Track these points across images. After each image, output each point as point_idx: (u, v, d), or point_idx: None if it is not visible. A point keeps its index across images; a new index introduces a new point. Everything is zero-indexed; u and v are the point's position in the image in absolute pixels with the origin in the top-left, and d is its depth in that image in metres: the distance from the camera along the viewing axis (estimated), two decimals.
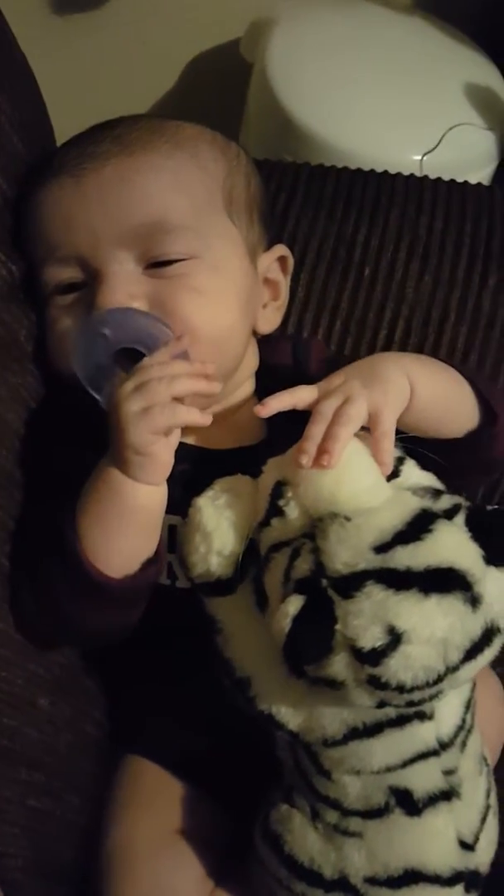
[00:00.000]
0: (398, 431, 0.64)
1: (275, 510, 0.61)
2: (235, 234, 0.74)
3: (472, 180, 1.00)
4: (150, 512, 0.65)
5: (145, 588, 0.66)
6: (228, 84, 1.46)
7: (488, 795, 0.68)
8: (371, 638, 0.55)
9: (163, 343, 0.66)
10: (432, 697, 0.58)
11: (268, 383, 0.78)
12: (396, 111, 1.30)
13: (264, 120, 1.35)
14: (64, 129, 0.80)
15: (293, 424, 0.73)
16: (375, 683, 0.56)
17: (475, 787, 0.66)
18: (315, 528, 0.59)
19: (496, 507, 0.61)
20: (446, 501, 0.60)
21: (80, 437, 0.72)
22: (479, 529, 0.58)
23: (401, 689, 0.56)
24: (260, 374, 0.79)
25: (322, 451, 0.60)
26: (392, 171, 0.99)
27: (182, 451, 0.67)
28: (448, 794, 0.63)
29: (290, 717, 0.62)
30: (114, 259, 0.69)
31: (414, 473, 0.63)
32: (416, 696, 0.57)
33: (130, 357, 0.67)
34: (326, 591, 0.56)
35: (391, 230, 0.93)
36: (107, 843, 0.71)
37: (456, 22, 1.45)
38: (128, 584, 0.64)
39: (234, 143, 0.78)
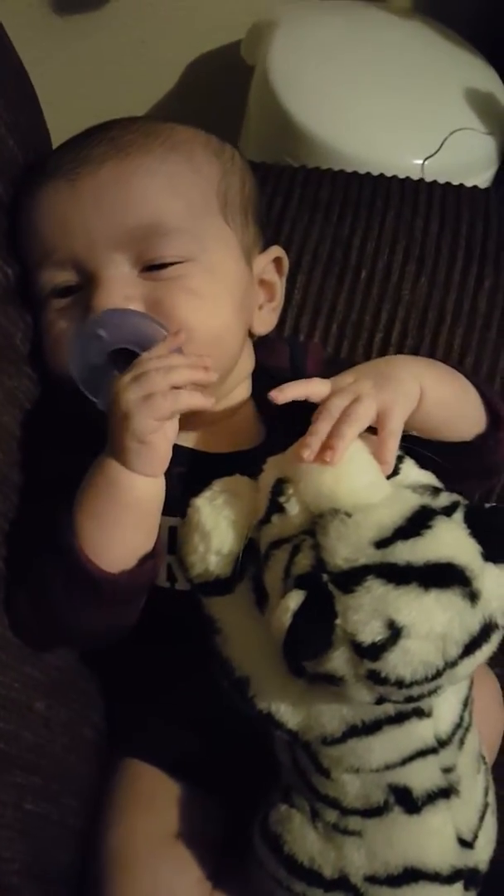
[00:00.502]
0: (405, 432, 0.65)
1: (275, 507, 0.61)
2: (231, 236, 0.74)
3: (473, 184, 1.01)
4: (148, 504, 0.65)
5: (142, 585, 0.66)
6: (229, 86, 1.46)
7: (486, 793, 0.68)
8: (371, 632, 0.55)
9: (158, 342, 0.66)
10: (431, 693, 0.58)
11: (265, 386, 0.78)
12: (398, 115, 1.30)
13: (265, 123, 1.35)
14: (63, 129, 0.80)
15: (291, 427, 0.73)
16: (375, 678, 0.56)
17: (473, 785, 0.66)
18: (315, 525, 0.59)
19: (493, 504, 0.61)
20: (445, 499, 0.60)
21: (77, 440, 0.72)
22: (477, 527, 0.58)
23: (400, 684, 0.56)
24: (256, 377, 0.79)
25: (326, 447, 0.60)
26: (392, 174, 0.99)
27: (180, 455, 0.67)
28: (447, 792, 0.63)
29: (289, 715, 0.62)
30: (110, 262, 0.69)
31: (413, 472, 0.64)
32: (415, 691, 0.57)
33: (126, 358, 0.67)
34: (327, 587, 0.57)
35: (387, 233, 0.93)
36: (104, 846, 0.71)
37: (456, 26, 1.46)
38: (125, 580, 0.64)
39: (228, 146, 0.78)
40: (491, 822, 0.68)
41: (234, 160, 0.77)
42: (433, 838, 0.63)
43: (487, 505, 0.61)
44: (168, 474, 0.66)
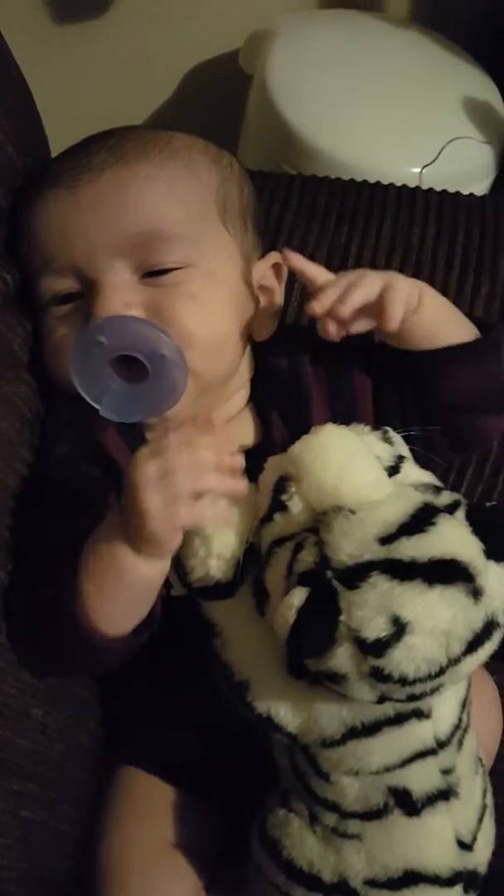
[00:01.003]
0: (401, 429, 0.65)
1: (278, 505, 0.61)
2: (230, 242, 0.75)
3: (470, 192, 1.01)
4: (153, 584, 0.63)
5: (135, 648, 0.65)
6: (227, 95, 1.46)
7: (484, 795, 0.68)
8: (375, 628, 0.55)
9: (158, 349, 0.66)
10: (433, 691, 0.59)
11: (264, 389, 0.78)
12: (396, 124, 1.31)
13: (264, 131, 1.36)
14: (62, 137, 0.80)
15: (289, 430, 0.73)
16: (378, 676, 0.56)
17: (472, 787, 0.66)
18: (318, 522, 0.59)
19: (494, 503, 0.61)
20: (446, 497, 0.61)
21: (79, 445, 0.72)
22: (479, 525, 0.59)
23: (403, 681, 0.56)
24: (256, 381, 0.79)
25: (338, 307, 0.69)
26: (390, 183, 1.00)
27: None
28: (446, 794, 0.63)
29: (288, 718, 0.62)
30: (110, 269, 0.70)
31: (413, 471, 0.64)
32: (418, 689, 0.57)
33: (127, 364, 0.67)
34: (331, 583, 0.57)
35: (384, 240, 0.94)
36: (100, 854, 0.71)
37: (454, 36, 1.46)
38: (120, 646, 0.63)
39: (226, 153, 0.79)
40: (489, 824, 0.68)
41: (233, 167, 0.78)
42: (433, 840, 0.63)
43: (488, 504, 0.61)
44: None
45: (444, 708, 0.63)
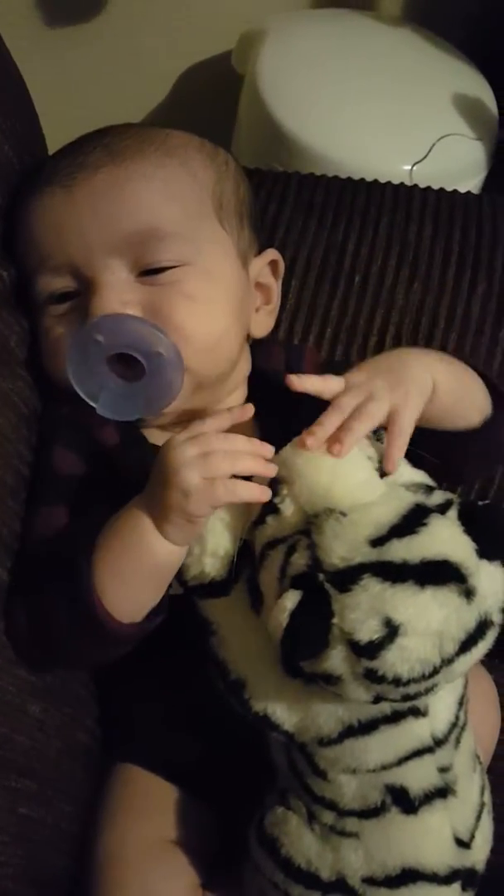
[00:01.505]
0: None
1: (270, 507, 0.61)
2: (226, 240, 0.75)
3: (462, 190, 1.01)
4: (171, 570, 0.64)
5: (145, 634, 0.66)
6: (220, 95, 1.47)
7: (482, 793, 0.68)
8: (368, 630, 0.55)
9: (155, 348, 0.66)
10: (428, 691, 0.59)
11: (261, 389, 0.78)
12: (386, 122, 1.31)
13: (255, 130, 1.36)
14: (57, 139, 0.80)
15: (285, 429, 0.73)
16: (372, 677, 0.56)
17: (470, 785, 0.66)
18: (310, 525, 0.59)
19: (486, 502, 0.61)
20: (439, 497, 0.61)
21: (76, 443, 0.72)
22: (471, 524, 0.59)
23: (397, 682, 0.56)
24: (253, 380, 0.79)
25: (334, 439, 0.61)
26: (382, 180, 1.00)
27: None
28: (443, 792, 0.63)
29: (285, 717, 0.62)
30: (106, 267, 0.70)
31: (406, 471, 0.64)
32: (412, 689, 0.57)
33: (124, 363, 0.67)
34: (323, 586, 0.57)
35: (381, 238, 0.94)
36: (97, 851, 0.71)
37: (445, 33, 1.47)
38: (132, 630, 0.64)
39: (222, 150, 0.79)
40: (487, 821, 0.68)
41: (229, 164, 0.78)
42: (430, 838, 0.63)
43: (481, 502, 0.61)
44: None
45: (441, 706, 0.63)
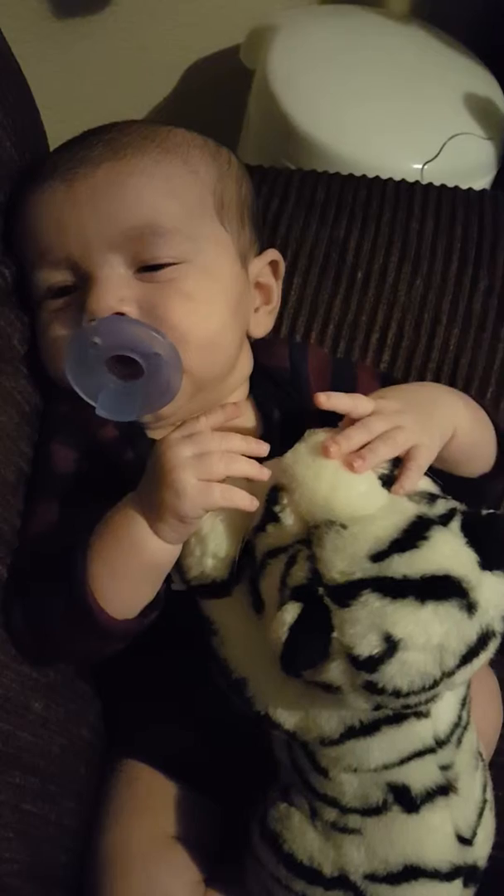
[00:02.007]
0: None
1: (270, 516, 0.61)
2: (226, 239, 0.75)
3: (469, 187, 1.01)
4: (164, 567, 0.64)
5: (142, 629, 0.66)
6: (228, 90, 1.46)
7: (484, 790, 0.68)
8: (368, 646, 0.55)
9: (152, 349, 0.66)
10: (428, 701, 0.59)
11: (264, 387, 0.78)
12: (397, 120, 1.30)
13: (265, 127, 1.35)
14: (63, 132, 0.80)
15: (287, 430, 0.73)
16: (372, 689, 0.56)
17: (472, 782, 0.66)
18: (311, 535, 0.59)
19: (491, 511, 0.61)
20: (442, 506, 0.60)
21: (75, 440, 0.72)
22: (474, 535, 0.58)
23: (397, 694, 0.56)
24: (255, 378, 0.79)
25: (357, 455, 0.61)
26: (395, 179, 0.99)
27: None
28: (445, 790, 0.63)
29: (286, 716, 0.62)
30: (105, 262, 0.70)
31: None
32: (413, 700, 0.57)
33: (123, 363, 0.67)
34: (323, 600, 0.56)
35: (383, 234, 0.94)
36: (100, 848, 0.71)
37: (455, 32, 1.46)
38: (126, 626, 0.64)
39: (224, 149, 0.79)
40: (489, 818, 0.68)
41: (231, 163, 0.78)
42: (432, 836, 0.63)
43: (485, 511, 0.60)
44: None
45: (444, 707, 0.63)
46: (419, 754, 0.62)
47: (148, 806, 0.73)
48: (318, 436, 0.62)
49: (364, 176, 0.99)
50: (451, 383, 0.88)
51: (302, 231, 0.93)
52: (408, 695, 0.56)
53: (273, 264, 0.80)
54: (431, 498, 0.61)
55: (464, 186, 1.00)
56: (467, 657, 0.57)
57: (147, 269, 0.70)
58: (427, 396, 0.71)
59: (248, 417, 0.77)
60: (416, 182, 0.99)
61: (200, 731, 0.73)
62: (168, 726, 0.74)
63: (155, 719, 0.75)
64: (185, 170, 0.73)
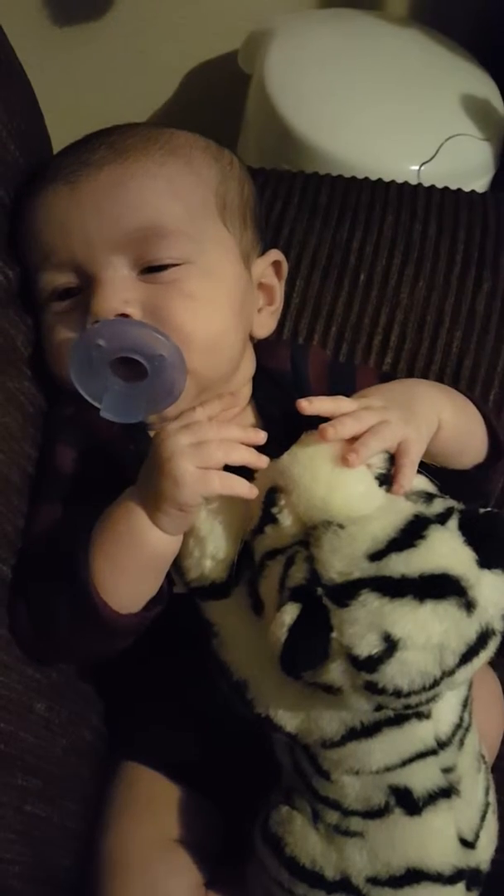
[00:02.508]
0: None
1: (268, 518, 0.61)
2: (229, 240, 0.75)
3: (470, 189, 1.01)
4: (166, 559, 0.65)
5: (146, 623, 0.66)
6: (226, 95, 1.47)
7: (487, 793, 0.68)
8: (367, 646, 0.55)
9: (156, 350, 0.66)
10: (429, 700, 0.59)
11: (265, 388, 0.78)
12: (394, 122, 1.31)
13: (263, 130, 1.36)
14: (63, 137, 0.80)
15: (287, 431, 0.73)
16: (372, 689, 0.56)
17: (474, 785, 0.66)
18: (309, 536, 0.59)
19: (488, 509, 0.61)
20: (439, 505, 0.60)
21: (79, 441, 0.72)
22: (472, 533, 0.58)
23: (398, 693, 0.56)
24: (257, 380, 0.79)
25: (349, 449, 0.61)
26: (389, 180, 1.00)
27: None
28: (448, 792, 0.63)
29: (287, 718, 0.62)
30: (108, 264, 0.70)
31: None
32: (413, 700, 0.57)
33: (127, 365, 0.67)
34: (321, 600, 0.56)
35: (385, 236, 0.94)
36: (102, 850, 0.71)
37: (452, 34, 1.46)
38: (131, 621, 0.64)
39: (227, 150, 0.79)
40: (492, 821, 0.68)
41: (233, 164, 0.78)
42: (435, 839, 0.63)
43: (482, 510, 0.60)
44: None
45: (445, 708, 0.63)
46: (421, 756, 0.62)
47: (149, 809, 0.73)
48: (314, 437, 0.62)
49: (367, 178, 1.00)
50: (455, 385, 0.87)
51: (305, 234, 0.93)
52: (408, 694, 0.56)
53: (276, 265, 0.80)
54: (429, 497, 0.62)
55: (461, 187, 1.01)
56: (467, 656, 0.57)
57: (150, 270, 0.70)
58: (408, 392, 0.71)
59: (250, 419, 0.77)
60: (419, 184, 0.99)
61: (201, 733, 0.73)
62: (169, 729, 0.74)
63: (156, 722, 0.75)
64: (188, 171, 0.73)
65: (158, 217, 0.70)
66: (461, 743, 0.64)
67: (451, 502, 0.61)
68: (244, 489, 0.62)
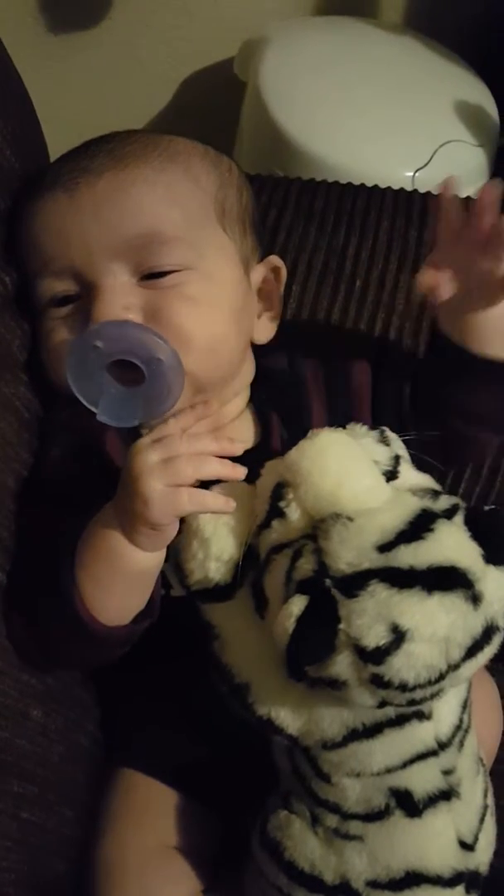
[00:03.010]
0: (400, 431, 0.65)
1: (275, 512, 0.61)
2: (229, 245, 0.75)
3: (465, 196, 1.01)
4: (149, 574, 0.64)
5: (136, 635, 0.66)
6: (222, 102, 1.47)
7: (486, 795, 0.68)
8: (375, 636, 0.55)
9: (154, 354, 0.66)
10: (433, 696, 0.59)
11: (262, 390, 0.78)
12: (388, 128, 1.31)
13: (258, 137, 1.36)
14: (60, 145, 0.80)
15: (287, 431, 0.73)
16: (378, 682, 0.56)
17: (473, 787, 0.66)
18: (316, 530, 0.59)
19: (493, 507, 0.61)
20: (445, 502, 0.61)
21: (75, 447, 0.72)
22: (477, 529, 0.58)
23: (403, 687, 0.56)
24: (255, 384, 0.79)
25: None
26: (384, 186, 1.00)
27: None
28: (447, 794, 0.63)
29: (289, 720, 0.62)
30: (108, 271, 0.70)
31: (411, 475, 0.64)
32: (418, 694, 0.57)
33: (125, 368, 0.67)
34: (330, 591, 0.57)
35: (381, 243, 0.94)
36: (98, 857, 0.71)
37: (446, 40, 1.47)
38: (120, 633, 0.64)
39: (225, 157, 0.79)
40: (491, 824, 0.68)
41: (232, 171, 0.78)
42: (434, 841, 0.63)
43: (487, 507, 0.61)
44: None
45: (445, 709, 0.63)
46: (421, 757, 0.62)
47: (145, 815, 0.72)
48: (323, 433, 0.62)
49: (362, 185, 1.00)
50: None
51: (301, 239, 0.94)
52: (414, 688, 0.56)
53: (275, 270, 0.80)
54: (434, 494, 0.62)
55: (456, 194, 1.01)
56: (472, 650, 0.57)
57: (150, 276, 0.70)
58: None
59: (249, 422, 0.77)
60: (414, 191, 1.00)
61: (199, 738, 0.73)
62: (167, 735, 0.74)
63: (153, 728, 0.75)
64: (187, 178, 0.73)
65: (158, 224, 0.70)
66: (461, 745, 0.64)
67: (455, 499, 0.61)
68: (218, 503, 0.61)
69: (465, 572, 0.56)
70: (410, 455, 0.65)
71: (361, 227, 0.95)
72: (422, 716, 0.61)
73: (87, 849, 0.72)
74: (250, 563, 0.63)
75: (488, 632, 0.58)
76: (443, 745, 0.63)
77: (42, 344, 0.74)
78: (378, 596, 0.55)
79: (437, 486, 0.64)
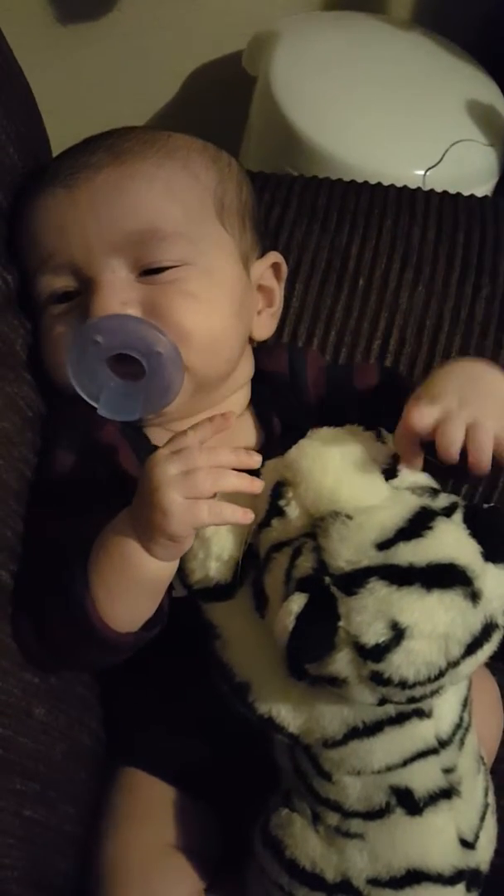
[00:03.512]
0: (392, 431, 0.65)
1: (275, 510, 0.61)
2: (228, 241, 0.75)
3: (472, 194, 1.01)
4: (162, 583, 0.64)
5: (145, 641, 0.66)
6: (230, 97, 1.46)
7: (486, 794, 0.68)
8: (374, 634, 0.55)
9: (154, 347, 0.66)
10: (433, 693, 0.59)
11: (263, 392, 0.78)
12: (399, 127, 1.31)
13: (267, 133, 1.36)
14: (65, 138, 0.80)
15: (288, 431, 0.73)
16: (378, 680, 0.56)
17: (474, 785, 0.66)
18: (316, 528, 0.59)
19: (492, 505, 0.61)
20: (444, 500, 0.61)
21: (77, 445, 0.72)
22: (476, 527, 0.59)
23: (403, 684, 0.56)
24: (255, 383, 0.79)
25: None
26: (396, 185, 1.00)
27: None
28: (448, 793, 0.63)
29: (290, 719, 0.62)
30: (107, 267, 0.70)
31: (410, 473, 0.63)
32: (418, 691, 0.57)
33: (125, 363, 0.67)
34: (329, 589, 0.57)
35: (384, 241, 0.94)
36: (100, 857, 0.71)
37: (457, 38, 1.46)
38: (129, 639, 0.64)
39: (224, 152, 0.79)
40: (491, 822, 0.68)
41: (231, 166, 0.78)
42: (435, 839, 0.63)
43: (486, 505, 0.61)
44: None
45: (446, 707, 0.63)
46: (422, 755, 0.62)
47: (148, 815, 0.72)
48: (322, 432, 0.62)
49: (366, 183, 1.00)
50: None
51: (304, 238, 0.93)
52: (413, 686, 0.56)
53: (275, 266, 0.80)
54: (433, 492, 0.62)
55: (465, 193, 1.01)
56: (472, 648, 0.57)
57: (149, 272, 0.70)
58: (468, 373, 0.68)
59: (250, 421, 0.77)
60: (418, 189, 0.99)
61: (200, 738, 0.73)
62: (168, 733, 0.74)
63: (155, 726, 0.75)
64: (186, 173, 0.73)
65: (156, 219, 0.71)
66: (461, 743, 0.64)
67: (454, 498, 0.62)
68: (237, 515, 0.60)
69: (464, 570, 0.57)
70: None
71: (365, 225, 0.94)
72: (422, 714, 0.61)
73: (89, 847, 0.72)
74: (251, 562, 0.63)
75: (488, 629, 0.58)
76: (443, 744, 0.63)
77: (43, 341, 0.74)
78: (377, 593, 0.55)
79: (435, 485, 0.64)
